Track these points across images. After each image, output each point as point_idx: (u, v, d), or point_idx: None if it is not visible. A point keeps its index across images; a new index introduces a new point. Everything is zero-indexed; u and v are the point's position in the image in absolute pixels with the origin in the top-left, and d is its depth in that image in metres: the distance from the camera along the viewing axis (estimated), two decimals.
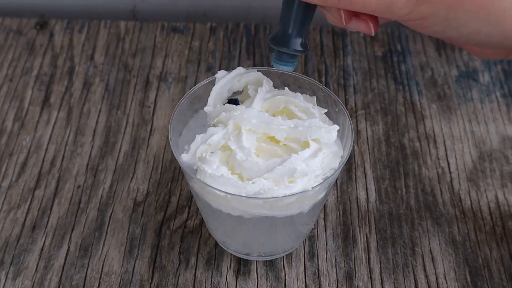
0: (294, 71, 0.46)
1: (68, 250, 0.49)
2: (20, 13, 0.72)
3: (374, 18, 0.39)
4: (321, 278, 0.47)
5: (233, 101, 0.45)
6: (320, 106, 0.45)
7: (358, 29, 0.39)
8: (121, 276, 0.47)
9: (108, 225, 0.51)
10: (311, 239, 0.50)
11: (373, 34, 0.39)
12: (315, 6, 0.38)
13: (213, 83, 0.45)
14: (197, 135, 0.42)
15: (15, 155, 0.56)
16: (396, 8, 0.34)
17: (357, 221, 0.51)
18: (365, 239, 0.50)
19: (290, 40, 0.39)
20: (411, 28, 0.37)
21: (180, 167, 0.53)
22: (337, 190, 0.53)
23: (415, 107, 0.60)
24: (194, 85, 0.48)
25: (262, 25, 0.69)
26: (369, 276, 0.48)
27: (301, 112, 0.43)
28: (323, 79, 0.62)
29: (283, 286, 0.47)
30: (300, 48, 0.40)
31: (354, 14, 0.39)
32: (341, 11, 0.38)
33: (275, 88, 0.45)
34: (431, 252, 0.49)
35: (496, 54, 0.42)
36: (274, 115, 0.43)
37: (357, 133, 0.57)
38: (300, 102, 0.43)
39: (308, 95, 0.45)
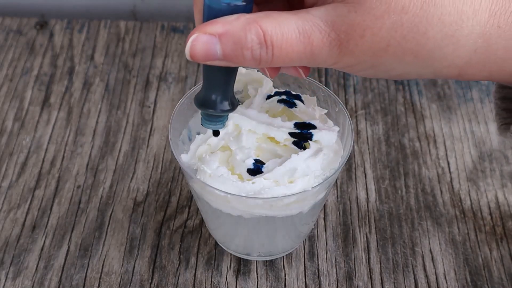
0: None
1: (68, 250, 0.49)
2: (20, 13, 0.72)
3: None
4: (321, 278, 0.47)
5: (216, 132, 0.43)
6: (320, 106, 0.45)
7: (288, 73, 0.38)
8: (121, 276, 0.48)
9: (108, 225, 0.51)
10: (311, 239, 0.50)
11: (305, 78, 0.38)
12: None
13: None
14: (197, 135, 0.42)
15: (15, 155, 0.56)
16: (320, 60, 0.33)
17: (357, 221, 0.51)
18: (365, 239, 0.50)
19: (216, 102, 0.36)
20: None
21: (180, 167, 0.53)
22: (337, 190, 0.53)
23: (415, 107, 0.60)
24: (194, 85, 0.48)
25: None
26: (369, 276, 0.48)
27: (301, 113, 0.43)
28: (323, 79, 0.62)
29: (283, 286, 0.47)
30: (228, 108, 0.36)
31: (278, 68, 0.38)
32: (265, 69, 0.37)
33: (275, 88, 0.45)
34: (431, 252, 0.49)
35: None
36: (274, 116, 0.43)
37: (357, 133, 0.57)
38: (300, 103, 0.43)
39: (308, 96, 0.45)
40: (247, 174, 0.40)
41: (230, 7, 0.32)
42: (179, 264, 0.48)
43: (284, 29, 0.31)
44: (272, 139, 0.42)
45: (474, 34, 0.31)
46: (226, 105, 0.36)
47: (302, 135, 0.41)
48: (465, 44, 0.32)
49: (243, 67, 0.38)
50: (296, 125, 0.42)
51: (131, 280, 0.47)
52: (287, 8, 0.37)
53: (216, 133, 0.40)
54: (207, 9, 0.32)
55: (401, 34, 0.31)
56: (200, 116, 0.38)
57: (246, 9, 0.32)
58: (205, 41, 0.31)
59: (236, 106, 0.37)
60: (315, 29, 0.32)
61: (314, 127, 0.41)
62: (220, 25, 0.31)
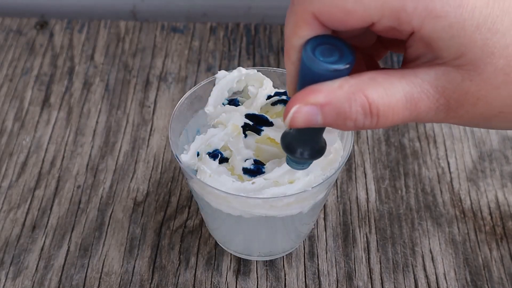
0: None
1: (68, 250, 0.49)
2: (20, 13, 0.72)
3: None
4: (321, 278, 0.47)
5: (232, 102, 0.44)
6: None
7: None
8: (121, 276, 0.48)
9: (108, 225, 0.51)
10: (311, 239, 0.50)
11: None
12: None
13: (213, 83, 0.45)
14: (197, 136, 0.42)
15: (15, 155, 0.56)
16: (424, 121, 0.32)
17: (357, 221, 0.51)
18: (365, 239, 0.50)
19: (304, 151, 0.35)
20: None
21: (180, 167, 0.53)
22: (337, 190, 0.53)
23: None
24: (194, 85, 0.48)
25: (262, 25, 0.69)
26: (369, 276, 0.48)
27: None
28: None
29: (283, 286, 0.47)
30: (316, 156, 0.36)
31: None
32: None
33: (275, 88, 0.45)
34: (431, 252, 0.49)
35: None
36: (274, 117, 0.43)
37: (357, 133, 0.57)
38: None
39: None
40: (247, 174, 0.40)
41: (332, 72, 0.29)
42: (179, 264, 0.48)
43: (391, 98, 0.30)
44: (272, 140, 0.42)
45: None
46: (312, 154, 0.36)
47: None
48: None
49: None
50: None
51: (131, 280, 0.47)
52: (379, 45, 0.35)
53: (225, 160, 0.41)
54: (305, 70, 0.30)
55: None
56: (287, 157, 0.37)
57: (348, 71, 0.30)
58: (306, 111, 0.30)
59: (324, 152, 0.36)
60: (423, 96, 0.30)
61: None
62: (323, 95, 0.30)
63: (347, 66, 0.29)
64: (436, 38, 0.29)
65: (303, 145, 0.35)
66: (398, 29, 0.29)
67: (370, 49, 0.35)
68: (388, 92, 0.30)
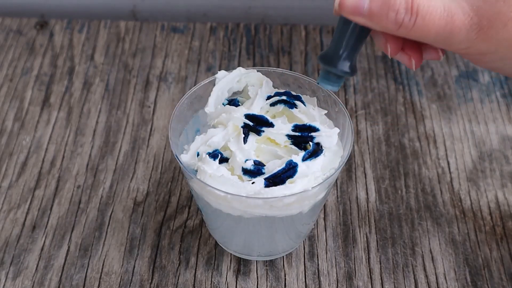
0: (294, 71, 0.46)
1: (68, 250, 0.49)
2: (20, 13, 0.72)
3: (419, 55, 0.39)
4: (321, 278, 0.47)
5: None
6: (320, 106, 0.45)
7: (400, 60, 0.39)
8: (121, 276, 0.48)
9: (108, 225, 0.51)
10: (311, 239, 0.50)
11: (414, 69, 0.39)
12: (369, 30, 0.38)
13: (213, 83, 0.45)
14: (197, 136, 0.42)
15: (15, 155, 0.56)
16: (455, 42, 0.34)
17: (357, 221, 0.51)
18: (365, 239, 0.50)
19: (340, 61, 0.38)
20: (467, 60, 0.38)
21: (180, 167, 0.53)
22: (337, 190, 0.53)
23: (415, 107, 0.60)
24: (194, 85, 0.48)
25: (262, 25, 0.69)
26: (369, 276, 0.48)
27: (302, 114, 0.43)
28: None
29: (283, 286, 0.47)
30: (348, 70, 0.39)
31: (401, 48, 0.38)
32: (388, 44, 0.38)
33: (275, 88, 0.45)
34: (431, 252, 0.49)
35: None
36: (274, 117, 0.43)
37: (357, 133, 0.57)
38: (300, 103, 0.43)
39: (308, 96, 0.45)
40: (247, 175, 0.40)
41: None
42: (179, 264, 0.48)
43: (431, 2, 0.33)
44: (272, 140, 0.42)
45: None
46: (347, 68, 0.38)
47: (302, 138, 0.41)
48: None
49: (377, 32, 0.38)
50: (297, 127, 0.42)
51: (131, 280, 0.47)
52: None
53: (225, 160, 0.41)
54: None
55: None
56: (319, 74, 0.40)
57: None
58: None
59: (356, 72, 0.39)
60: (460, 10, 0.33)
61: (314, 129, 0.41)
62: None
63: None
64: None
65: (341, 57, 0.38)
66: None
67: None
68: None
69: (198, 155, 0.41)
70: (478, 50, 0.34)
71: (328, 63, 0.39)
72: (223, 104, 0.44)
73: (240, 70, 0.45)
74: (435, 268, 0.48)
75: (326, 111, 0.44)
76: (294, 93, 0.44)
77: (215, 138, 0.41)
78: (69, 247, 0.49)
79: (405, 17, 0.33)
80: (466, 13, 0.33)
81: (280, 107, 0.43)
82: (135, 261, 0.48)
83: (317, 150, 0.41)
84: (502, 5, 0.32)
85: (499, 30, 0.33)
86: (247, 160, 0.40)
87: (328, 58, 0.39)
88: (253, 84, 0.45)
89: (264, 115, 0.42)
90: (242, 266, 0.48)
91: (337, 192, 0.53)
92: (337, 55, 0.38)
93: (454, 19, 0.33)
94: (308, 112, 0.43)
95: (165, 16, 0.74)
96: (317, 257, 0.49)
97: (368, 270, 0.48)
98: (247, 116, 0.42)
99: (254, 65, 0.64)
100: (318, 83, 0.40)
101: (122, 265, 0.48)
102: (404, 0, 0.33)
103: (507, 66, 0.35)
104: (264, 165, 0.40)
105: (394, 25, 0.33)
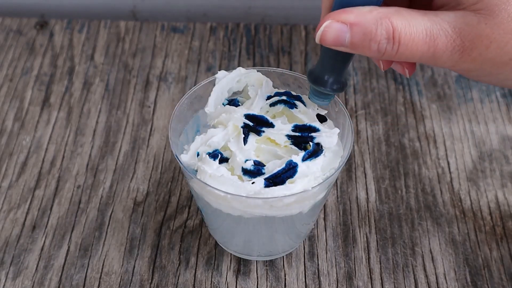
0: (294, 71, 0.46)
1: (68, 250, 0.49)
2: (20, 13, 0.72)
3: (411, 65, 0.39)
4: (321, 278, 0.47)
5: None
6: (320, 107, 0.45)
7: (394, 69, 0.40)
8: (121, 276, 0.48)
9: (108, 225, 0.51)
10: (311, 239, 0.50)
11: (408, 76, 0.40)
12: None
13: (213, 83, 0.45)
14: (197, 136, 0.42)
15: (15, 155, 0.56)
16: (439, 62, 0.34)
17: (357, 221, 0.51)
18: (365, 239, 0.50)
19: (328, 81, 0.39)
20: None
21: (180, 167, 0.53)
22: (337, 190, 0.53)
23: (415, 107, 0.60)
24: (194, 85, 0.48)
25: (262, 25, 0.69)
26: (369, 276, 0.48)
27: (302, 114, 0.43)
28: None
29: (283, 286, 0.47)
30: (336, 88, 0.39)
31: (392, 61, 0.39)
32: (380, 61, 0.39)
33: (275, 88, 0.45)
34: (431, 252, 0.49)
35: None
36: (274, 117, 0.43)
37: (357, 133, 0.57)
38: (300, 103, 0.43)
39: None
40: (247, 175, 0.40)
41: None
42: (179, 264, 0.48)
43: (412, 29, 0.33)
44: (272, 140, 0.42)
45: None
46: (335, 86, 0.39)
47: (302, 138, 0.41)
48: None
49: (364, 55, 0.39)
50: (297, 127, 0.41)
51: (131, 280, 0.47)
52: (412, 7, 0.38)
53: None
54: None
55: None
56: (310, 91, 0.41)
57: (378, 3, 0.34)
58: (337, 28, 0.34)
59: (346, 87, 0.40)
60: (442, 34, 0.33)
61: (314, 130, 0.41)
62: (354, 15, 0.33)
63: None
64: None
65: (329, 76, 0.39)
66: None
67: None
68: (410, 23, 0.33)
69: (198, 155, 0.41)
70: (463, 68, 0.35)
71: (316, 83, 0.39)
72: (223, 104, 0.44)
73: (240, 70, 0.45)
74: (435, 268, 0.48)
75: (326, 111, 0.44)
76: (294, 93, 0.44)
77: (215, 138, 0.41)
78: (69, 247, 0.49)
79: (387, 46, 0.33)
80: (449, 36, 0.33)
81: (280, 107, 0.43)
82: (135, 261, 0.48)
83: (317, 150, 0.41)
84: (484, 27, 0.32)
85: (482, 52, 0.33)
86: (247, 160, 0.40)
87: (315, 78, 0.39)
88: (253, 84, 0.45)
89: (264, 115, 0.42)
90: (242, 266, 0.48)
91: (337, 192, 0.53)
92: (324, 75, 0.39)
93: (437, 42, 0.33)
94: (308, 113, 0.43)
95: (165, 16, 0.74)
96: (317, 257, 0.49)
97: (368, 270, 0.48)
98: (247, 116, 0.42)
99: (254, 65, 0.64)
100: (309, 98, 0.41)
101: (122, 265, 0.48)
102: (385, 30, 0.33)
103: (493, 80, 0.36)
104: (264, 165, 0.40)
105: (377, 54, 0.34)
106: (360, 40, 0.34)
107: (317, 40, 0.34)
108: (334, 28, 0.34)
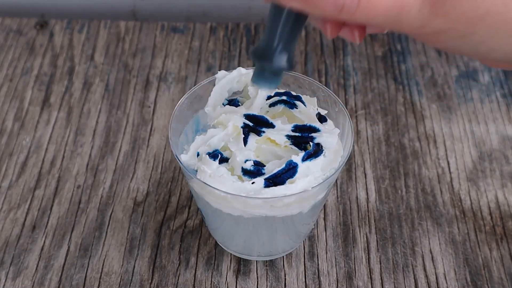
0: (294, 71, 0.46)
1: (68, 250, 0.49)
2: (20, 13, 0.72)
3: (362, 28, 0.34)
4: (321, 278, 0.47)
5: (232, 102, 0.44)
6: (320, 106, 0.45)
7: (343, 37, 0.35)
8: (121, 276, 0.48)
9: (108, 225, 0.51)
10: (311, 239, 0.50)
11: (358, 42, 0.35)
12: (306, 16, 0.32)
13: (213, 83, 0.45)
14: (197, 136, 0.42)
15: (15, 155, 0.56)
16: (407, 21, 0.29)
17: (357, 221, 0.51)
18: (365, 239, 0.50)
19: (275, 55, 0.33)
20: (421, 42, 0.33)
21: (180, 167, 0.53)
22: (337, 190, 0.53)
23: (415, 107, 0.60)
24: (194, 85, 0.48)
25: (262, 25, 0.69)
26: (369, 276, 0.48)
27: (302, 114, 0.43)
28: (323, 79, 0.62)
29: (283, 286, 0.47)
30: (285, 65, 0.34)
31: (342, 26, 0.33)
32: (327, 25, 0.33)
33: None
34: (431, 252, 0.49)
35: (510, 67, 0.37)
36: (274, 117, 0.43)
37: (357, 133, 0.57)
38: (300, 104, 0.43)
39: (308, 96, 0.45)
40: (247, 175, 0.40)
41: None
42: (179, 264, 0.48)
43: None
44: (272, 140, 0.42)
45: None
46: (284, 62, 0.34)
47: (302, 138, 0.41)
48: None
49: (318, 15, 0.32)
50: (297, 128, 0.41)
51: (131, 280, 0.47)
52: None
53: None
54: None
55: (504, 2, 0.28)
56: (253, 73, 0.36)
57: None
58: None
59: (293, 67, 0.34)
60: None
61: (315, 130, 0.41)
62: None
63: None
64: None
65: (274, 48, 0.33)
66: None
67: None
68: None
69: (198, 155, 0.41)
70: (433, 28, 0.30)
71: (261, 58, 0.34)
72: (223, 104, 0.44)
73: (240, 70, 0.45)
74: (435, 268, 0.48)
75: (326, 111, 0.44)
76: (294, 93, 0.44)
77: (215, 138, 0.41)
78: (69, 247, 0.49)
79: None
80: None
81: (280, 107, 0.43)
82: (135, 261, 0.48)
83: (317, 151, 0.41)
84: None
85: (455, 4, 0.28)
86: (247, 160, 0.40)
87: (261, 53, 0.34)
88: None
89: (264, 115, 0.42)
90: (242, 266, 0.48)
91: (337, 192, 0.53)
92: (272, 48, 0.33)
93: None
94: (308, 112, 0.43)
95: (165, 16, 0.74)
96: (317, 257, 0.49)
97: (368, 270, 0.48)
98: (247, 117, 0.42)
99: (254, 65, 0.64)
100: (252, 82, 0.36)
101: (122, 265, 0.48)
102: None
103: (466, 44, 0.31)
104: (264, 166, 0.40)
105: (334, 8, 0.28)
106: None
107: None
108: None
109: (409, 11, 0.29)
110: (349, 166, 0.55)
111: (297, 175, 0.40)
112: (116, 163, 0.55)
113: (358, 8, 0.28)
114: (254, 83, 0.36)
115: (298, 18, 0.32)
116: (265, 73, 0.35)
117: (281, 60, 0.34)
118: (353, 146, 0.51)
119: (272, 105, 0.43)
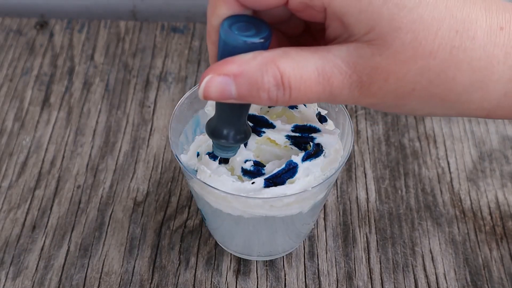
0: None
1: (68, 250, 0.49)
2: (20, 13, 0.72)
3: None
4: (321, 278, 0.47)
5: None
6: (320, 106, 0.45)
7: None
8: (121, 276, 0.48)
9: (108, 225, 0.51)
10: (311, 239, 0.50)
11: None
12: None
13: None
14: (197, 136, 0.42)
15: (15, 155, 0.56)
16: (341, 100, 0.31)
17: (357, 221, 0.51)
18: (365, 239, 0.50)
19: (229, 134, 0.35)
20: None
21: (180, 167, 0.53)
22: (337, 190, 0.53)
23: None
24: (194, 85, 0.48)
25: None
26: (369, 276, 0.48)
27: (302, 115, 0.43)
28: None
29: (283, 286, 0.47)
30: (239, 139, 0.36)
31: None
32: None
33: None
34: (431, 252, 0.49)
35: None
36: (274, 117, 0.43)
37: (357, 133, 0.57)
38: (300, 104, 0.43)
39: None
40: (247, 175, 0.40)
41: (247, 44, 0.30)
42: (179, 264, 0.48)
43: (303, 71, 0.30)
44: (272, 141, 0.42)
45: (505, 78, 0.30)
46: (238, 137, 0.36)
47: (302, 139, 0.41)
48: (494, 89, 0.30)
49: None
50: (297, 128, 0.41)
51: (131, 280, 0.47)
52: (308, 36, 0.35)
53: (225, 161, 0.40)
54: (222, 45, 0.31)
55: (428, 79, 0.30)
56: (212, 144, 0.38)
57: (264, 46, 0.30)
58: (219, 81, 0.30)
59: (249, 135, 0.36)
60: (336, 71, 0.30)
61: (315, 130, 0.41)
62: (236, 65, 0.30)
63: (262, 40, 0.30)
64: (346, 13, 0.29)
65: (228, 128, 0.35)
66: (311, 5, 0.30)
67: (300, 39, 0.35)
68: (299, 65, 0.30)
69: (198, 155, 0.41)
70: (367, 104, 0.32)
71: (213, 136, 0.36)
72: None
73: None
74: (435, 268, 0.48)
75: (326, 111, 0.44)
76: None
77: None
78: (69, 247, 0.49)
79: (278, 93, 0.30)
80: (344, 72, 0.30)
81: (280, 107, 0.43)
82: (135, 261, 0.48)
83: (317, 151, 0.41)
84: (379, 60, 0.29)
85: (382, 85, 0.30)
86: (247, 160, 0.40)
87: (213, 131, 0.36)
88: None
89: (264, 115, 0.42)
90: (242, 266, 0.48)
91: (337, 192, 0.53)
92: (223, 128, 0.35)
93: (332, 81, 0.30)
94: (308, 113, 0.43)
95: (165, 16, 0.74)
96: (317, 257, 0.49)
97: (368, 270, 0.48)
98: (247, 117, 0.41)
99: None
100: (213, 152, 0.38)
101: (122, 265, 0.48)
102: (272, 76, 0.29)
103: (403, 111, 0.33)
104: (264, 166, 0.40)
105: (270, 102, 0.31)
106: (247, 91, 0.30)
107: (200, 96, 0.31)
108: (217, 82, 0.30)
109: (340, 94, 0.31)
110: (349, 166, 0.55)
111: (297, 175, 0.40)
112: (116, 163, 0.55)
113: (290, 99, 0.30)
114: (215, 153, 0.38)
115: (242, 104, 0.33)
116: (220, 146, 0.37)
117: (231, 137, 0.36)
118: (353, 146, 0.51)
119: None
